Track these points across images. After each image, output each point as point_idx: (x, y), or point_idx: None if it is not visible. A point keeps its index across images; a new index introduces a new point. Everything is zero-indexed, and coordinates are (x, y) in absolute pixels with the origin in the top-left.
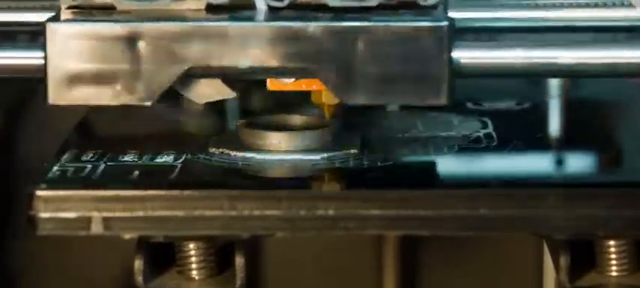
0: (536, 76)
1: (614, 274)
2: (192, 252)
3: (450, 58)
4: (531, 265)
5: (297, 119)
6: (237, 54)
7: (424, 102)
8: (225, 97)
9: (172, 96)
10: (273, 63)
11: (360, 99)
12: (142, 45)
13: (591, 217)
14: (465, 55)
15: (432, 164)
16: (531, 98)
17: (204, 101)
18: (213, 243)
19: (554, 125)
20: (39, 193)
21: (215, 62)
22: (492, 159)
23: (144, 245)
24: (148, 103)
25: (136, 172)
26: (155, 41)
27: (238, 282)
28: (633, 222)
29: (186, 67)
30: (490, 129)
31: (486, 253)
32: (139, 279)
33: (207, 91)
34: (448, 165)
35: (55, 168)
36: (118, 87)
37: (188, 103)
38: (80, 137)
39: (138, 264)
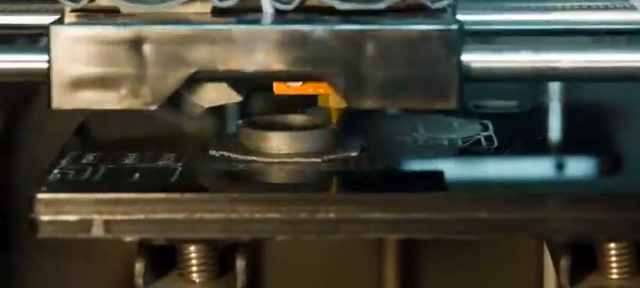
0: (544, 79)
1: (614, 276)
2: (193, 255)
3: (459, 62)
4: (532, 267)
5: (297, 119)
6: (244, 58)
7: (433, 106)
8: (232, 101)
9: (172, 99)
10: (280, 67)
11: (368, 103)
12: (147, 48)
13: (592, 221)
14: (475, 59)
15: (433, 167)
16: (532, 101)
17: (210, 105)
18: (215, 246)
19: (555, 128)
20: (40, 196)
21: (221, 66)
22: (493, 162)
23: (145, 248)
24: (154, 107)
25: (137, 175)
26: (160, 45)
27: (239, 285)
28: (634, 225)
29: (192, 71)
30: (491, 132)
31: (487, 255)
32: (140, 282)
33: (213, 95)
34: (449, 168)
35: (56, 171)
36: (123, 91)
37: (188, 105)
38: (81, 140)
39: (139, 267)
